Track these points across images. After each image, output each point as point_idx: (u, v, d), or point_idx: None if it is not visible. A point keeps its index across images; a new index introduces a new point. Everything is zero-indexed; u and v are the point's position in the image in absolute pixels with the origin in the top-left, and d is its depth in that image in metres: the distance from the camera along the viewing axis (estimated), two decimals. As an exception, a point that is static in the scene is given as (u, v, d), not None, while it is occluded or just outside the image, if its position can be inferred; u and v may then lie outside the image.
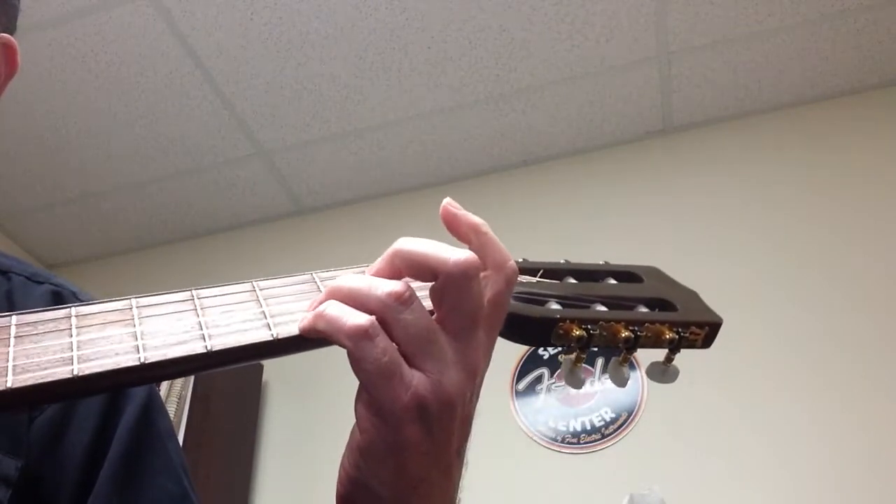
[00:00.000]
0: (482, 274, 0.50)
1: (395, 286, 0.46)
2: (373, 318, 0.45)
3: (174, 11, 2.20)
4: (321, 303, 0.48)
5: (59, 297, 0.74)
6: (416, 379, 0.45)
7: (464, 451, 0.51)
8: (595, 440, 2.16)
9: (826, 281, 2.19)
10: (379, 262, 0.51)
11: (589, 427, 2.18)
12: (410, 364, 0.46)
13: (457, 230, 0.52)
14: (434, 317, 0.48)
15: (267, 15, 2.22)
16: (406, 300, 0.46)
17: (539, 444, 2.20)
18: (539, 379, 2.30)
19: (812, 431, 2.00)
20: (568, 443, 2.19)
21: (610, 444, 2.14)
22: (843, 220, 2.28)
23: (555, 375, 2.29)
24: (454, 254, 0.47)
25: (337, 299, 0.47)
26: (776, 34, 2.30)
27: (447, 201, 0.53)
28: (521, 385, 2.31)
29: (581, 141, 2.64)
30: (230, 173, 2.75)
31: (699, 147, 2.56)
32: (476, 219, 0.52)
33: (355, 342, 0.45)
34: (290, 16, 2.23)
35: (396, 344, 0.46)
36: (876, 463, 1.92)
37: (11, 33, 0.78)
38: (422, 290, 0.49)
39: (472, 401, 0.49)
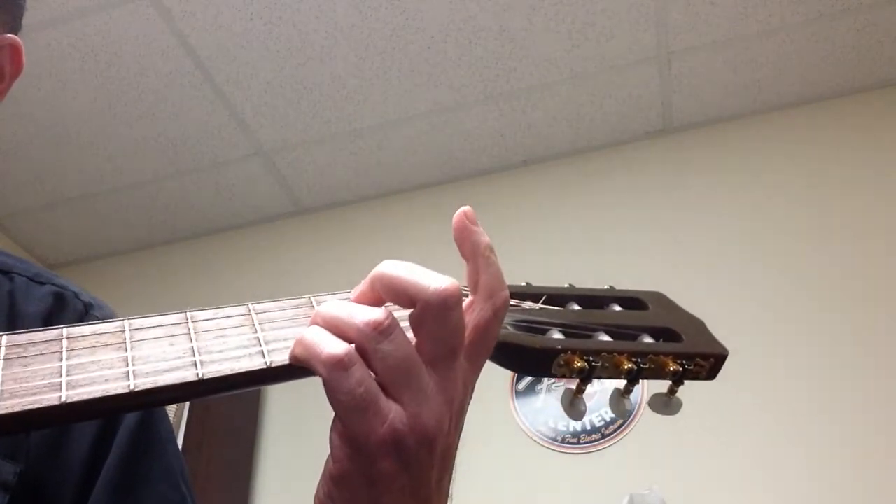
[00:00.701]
0: (470, 299, 0.49)
1: (375, 315, 0.45)
2: (350, 347, 0.44)
3: (174, 11, 2.20)
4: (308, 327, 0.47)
5: (61, 299, 0.73)
6: (392, 412, 0.44)
7: (446, 483, 0.49)
8: (595, 440, 2.16)
9: (826, 280, 2.19)
10: (362, 286, 0.49)
11: (589, 427, 2.18)
12: (388, 395, 0.44)
13: (460, 244, 0.50)
14: (413, 344, 0.46)
15: (267, 15, 2.22)
16: (384, 330, 0.44)
17: (539, 444, 2.21)
18: (539, 379, 2.30)
19: (812, 432, 2.00)
20: (568, 443, 2.19)
21: (610, 444, 2.14)
22: (844, 219, 2.27)
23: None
24: (434, 281, 0.45)
25: (319, 325, 0.46)
26: (776, 34, 2.30)
27: (465, 210, 0.51)
28: (521, 385, 2.31)
29: (581, 141, 2.64)
30: (230, 173, 2.74)
31: (699, 147, 2.56)
32: (483, 239, 0.50)
33: (329, 371, 0.43)
34: (290, 16, 2.23)
35: (374, 373, 0.44)
36: (875, 464, 1.92)
37: (16, 32, 0.78)
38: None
39: (452, 432, 0.48)
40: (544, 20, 2.25)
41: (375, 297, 0.48)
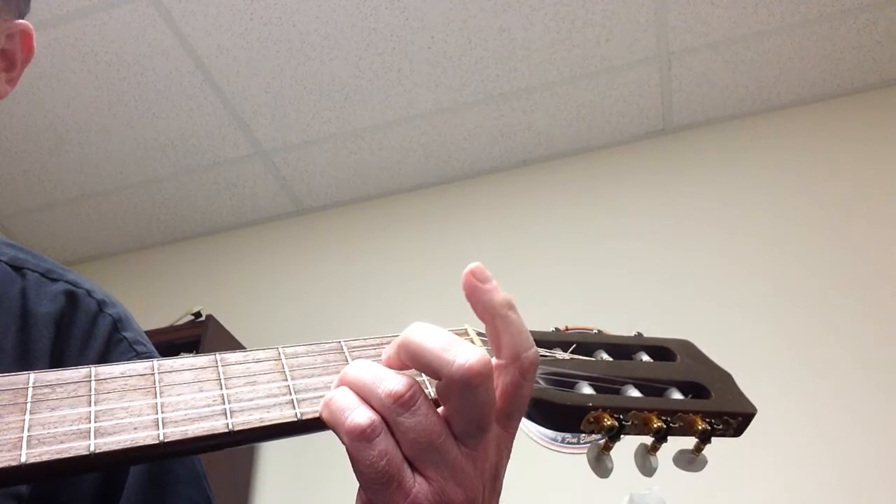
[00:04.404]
0: (496, 362, 0.46)
1: (397, 386, 0.43)
2: (375, 417, 0.42)
3: (174, 11, 2.20)
4: (337, 387, 0.45)
5: (73, 298, 0.72)
6: (416, 486, 0.42)
7: None
8: (595, 440, 2.16)
9: (823, 278, 2.19)
10: (389, 349, 0.46)
11: (589, 427, 2.18)
12: (413, 468, 0.42)
13: (473, 306, 0.47)
14: (441, 413, 0.44)
15: (267, 15, 2.22)
16: (405, 403, 0.42)
17: (539, 444, 2.20)
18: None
19: (812, 432, 2.00)
20: (568, 443, 2.19)
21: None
22: (843, 219, 2.28)
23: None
24: (459, 356, 0.42)
25: (348, 387, 0.44)
26: (776, 34, 2.30)
27: (472, 269, 0.47)
28: (521, 385, 2.31)
29: (581, 141, 2.64)
30: (230, 173, 2.75)
31: (699, 147, 2.56)
32: (496, 297, 0.46)
33: (351, 441, 0.42)
34: (290, 16, 2.23)
35: (398, 445, 0.42)
36: (876, 468, 1.92)
37: (24, 16, 0.77)
38: None
39: (489, 501, 0.46)
40: (544, 20, 2.25)
41: (401, 365, 0.46)
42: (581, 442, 2.17)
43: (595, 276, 2.40)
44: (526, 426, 2.25)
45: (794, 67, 2.40)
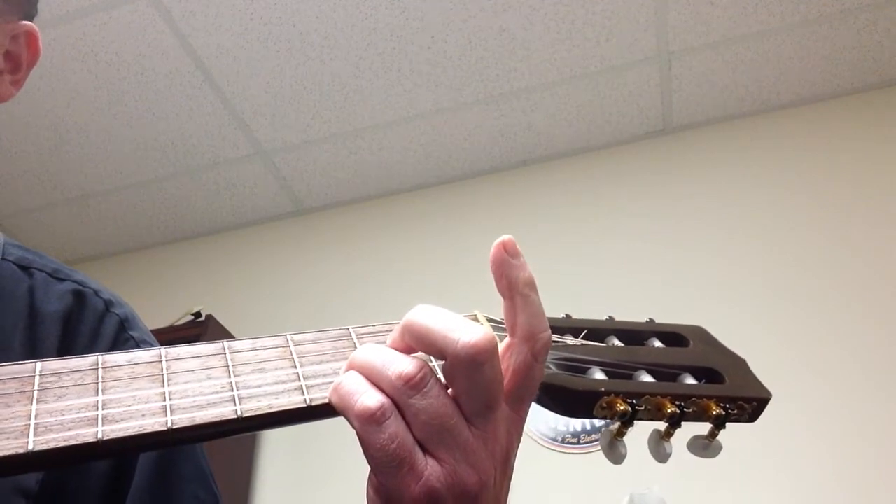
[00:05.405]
0: (508, 341, 0.46)
1: (407, 367, 0.42)
2: (385, 400, 0.42)
3: (174, 11, 2.20)
4: (346, 371, 0.45)
5: (80, 297, 0.72)
6: (428, 468, 0.42)
7: None
8: (595, 440, 2.16)
9: (823, 278, 2.19)
10: (393, 333, 0.46)
11: (589, 427, 2.18)
12: (424, 450, 0.42)
13: (497, 279, 0.47)
14: (451, 394, 0.44)
15: (267, 15, 2.22)
16: (416, 384, 0.42)
17: (539, 444, 2.20)
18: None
19: (812, 433, 2.00)
20: (568, 443, 2.19)
21: (610, 444, 2.14)
22: (843, 219, 2.28)
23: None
24: (464, 335, 0.42)
25: (357, 371, 0.44)
26: (776, 34, 2.30)
27: (504, 241, 0.47)
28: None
29: (581, 141, 2.64)
30: (230, 173, 2.75)
31: (699, 147, 2.56)
32: (522, 274, 0.46)
33: (361, 425, 0.42)
34: (290, 16, 2.23)
35: (409, 428, 0.42)
36: (876, 468, 1.92)
37: (31, 18, 0.77)
38: None
39: (499, 482, 0.46)
40: (544, 20, 2.26)
41: (406, 348, 0.45)
42: (581, 442, 2.17)
43: (595, 276, 2.40)
44: (525, 425, 2.24)
45: (794, 67, 2.40)
